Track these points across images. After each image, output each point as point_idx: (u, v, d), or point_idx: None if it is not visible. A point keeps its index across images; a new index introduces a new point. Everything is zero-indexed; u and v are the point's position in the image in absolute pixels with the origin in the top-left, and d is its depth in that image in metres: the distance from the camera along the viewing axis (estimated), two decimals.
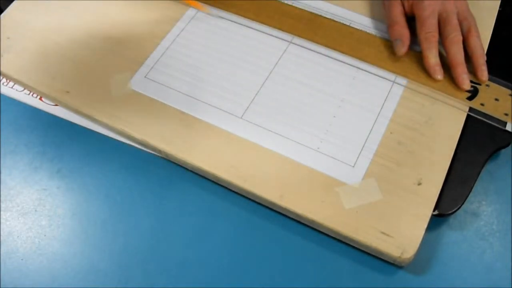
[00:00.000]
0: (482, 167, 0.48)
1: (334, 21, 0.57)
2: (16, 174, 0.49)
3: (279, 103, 0.51)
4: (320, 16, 0.57)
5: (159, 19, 0.57)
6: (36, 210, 0.47)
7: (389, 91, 0.52)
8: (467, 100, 0.51)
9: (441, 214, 0.46)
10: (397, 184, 0.46)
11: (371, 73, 0.53)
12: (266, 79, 0.53)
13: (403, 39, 0.53)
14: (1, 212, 0.47)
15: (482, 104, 0.51)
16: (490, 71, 0.52)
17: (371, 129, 0.49)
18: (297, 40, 0.55)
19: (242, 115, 0.50)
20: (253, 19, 0.57)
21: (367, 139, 0.49)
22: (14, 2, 0.58)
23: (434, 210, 0.45)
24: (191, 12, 0.57)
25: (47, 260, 0.45)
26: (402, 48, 0.53)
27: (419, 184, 0.46)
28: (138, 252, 0.45)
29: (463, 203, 0.46)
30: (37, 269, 0.44)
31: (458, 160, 0.48)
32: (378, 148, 0.48)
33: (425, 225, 0.44)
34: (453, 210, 0.46)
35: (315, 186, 0.46)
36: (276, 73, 0.53)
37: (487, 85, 0.52)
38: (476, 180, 0.47)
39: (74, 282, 0.44)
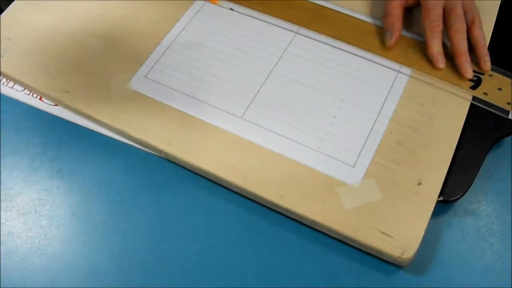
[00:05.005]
0: (486, 155, 0.48)
1: (340, 12, 0.57)
2: (16, 174, 0.49)
3: (279, 103, 0.51)
4: (326, 7, 0.58)
5: (159, 19, 0.57)
6: (36, 210, 0.47)
7: (391, 87, 0.52)
8: (471, 90, 0.52)
9: (446, 201, 0.46)
10: (397, 184, 0.46)
11: (375, 62, 0.54)
12: (266, 78, 0.53)
13: (392, 31, 0.54)
14: (1, 212, 0.47)
15: (485, 94, 0.52)
16: (493, 62, 0.53)
17: (371, 129, 0.49)
18: (303, 31, 0.55)
19: (242, 115, 0.50)
20: (259, 10, 0.57)
21: (367, 139, 0.49)
22: (14, 2, 0.58)
23: (439, 197, 0.46)
24: (191, 12, 0.57)
25: (47, 260, 0.45)
26: (390, 40, 0.54)
27: (419, 184, 0.46)
28: (138, 252, 0.45)
29: (467, 190, 0.46)
30: (37, 269, 0.44)
31: (462, 149, 0.49)
32: (378, 148, 0.48)
33: (425, 225, 0.44)
34: (458, 197, 0.46)
35: (315, 186, 0.46)
36: (276, 73, 0.53)
37: (490, 75, 0.53)
38: (479, 168, 0.48)
39: (74, 282, 0.44)
